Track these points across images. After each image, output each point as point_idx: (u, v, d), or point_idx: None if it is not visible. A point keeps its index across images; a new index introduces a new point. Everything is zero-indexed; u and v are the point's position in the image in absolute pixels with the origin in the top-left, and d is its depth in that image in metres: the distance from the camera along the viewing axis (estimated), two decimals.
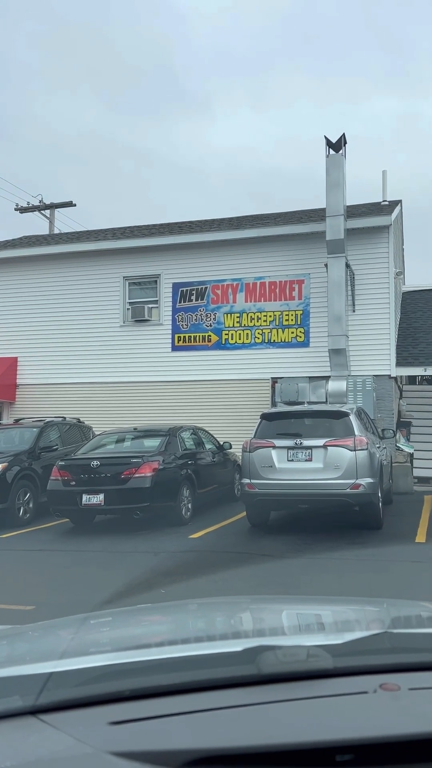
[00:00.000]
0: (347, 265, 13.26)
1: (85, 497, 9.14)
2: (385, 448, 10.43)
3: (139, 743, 0.93)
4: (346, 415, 8.81)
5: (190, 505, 9.80)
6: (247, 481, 8.74)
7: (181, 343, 14.89)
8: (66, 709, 1.03)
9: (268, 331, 14.39)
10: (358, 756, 0.93)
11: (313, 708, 1.03)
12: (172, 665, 1.21)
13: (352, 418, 8.74)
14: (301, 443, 8.52)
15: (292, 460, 8.55)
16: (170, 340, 14.96)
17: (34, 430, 11.41)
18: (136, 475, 9.08)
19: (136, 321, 15.20)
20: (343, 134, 13.40)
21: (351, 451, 8.32)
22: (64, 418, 12.61)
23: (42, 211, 24.07)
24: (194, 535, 8.78)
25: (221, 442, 11.74)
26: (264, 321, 14.43)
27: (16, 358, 15.84)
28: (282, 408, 10.63)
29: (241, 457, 9.34)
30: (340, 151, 13.34)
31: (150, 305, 15.17)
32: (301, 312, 14.22)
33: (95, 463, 9.34)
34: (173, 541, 8.46)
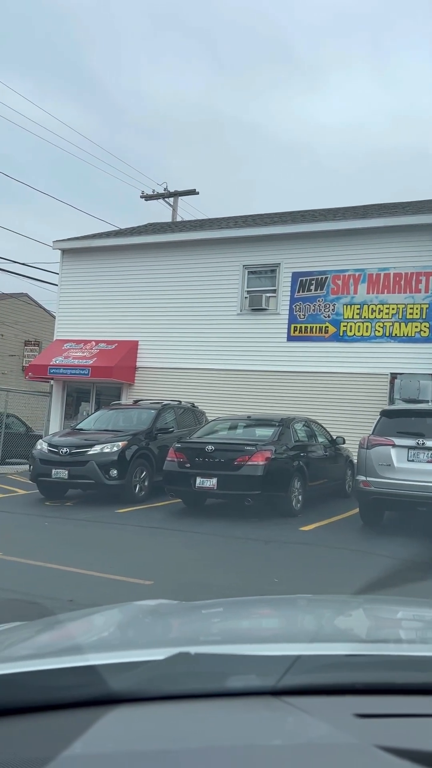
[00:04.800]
0: None
1: (198, 480, 9.33)
2: None
3: (401, 741, 0.84)
4: None
5: (300, 497, 9.71)
6: (362, 478, 8.51)
7: (297, 333, 14.73)
8: (307, 694, 0.97)
9: (390, 324, 13.86)
10: None
11: None
12: (414, 663, 1.14)
13: None
14: (423, 443, 8.15)
15: (412, 461, 8.21)
16: (286, 330, 14.84)
17: (152, 411, 11.79)
18: (249, 463, 9.12)
19: (253, 310, 15.22)
20: None
21: None
22: (180, 401, 12.92)
23: (165, 199, 24.69)
24: (305, 528, 8.70)
25: (334, 437, 11.51)
26: (386, 314, 13.91)
27: (138, 341, 16.43)
28: (404, 405, 10.19)
29: (357, 454, 9.10)
30: None
31: (268, 294, 15.12)
32: (426, 306, 13.56)
33: (210, 447, 9.50)
34: (284, 531, 8.43)
